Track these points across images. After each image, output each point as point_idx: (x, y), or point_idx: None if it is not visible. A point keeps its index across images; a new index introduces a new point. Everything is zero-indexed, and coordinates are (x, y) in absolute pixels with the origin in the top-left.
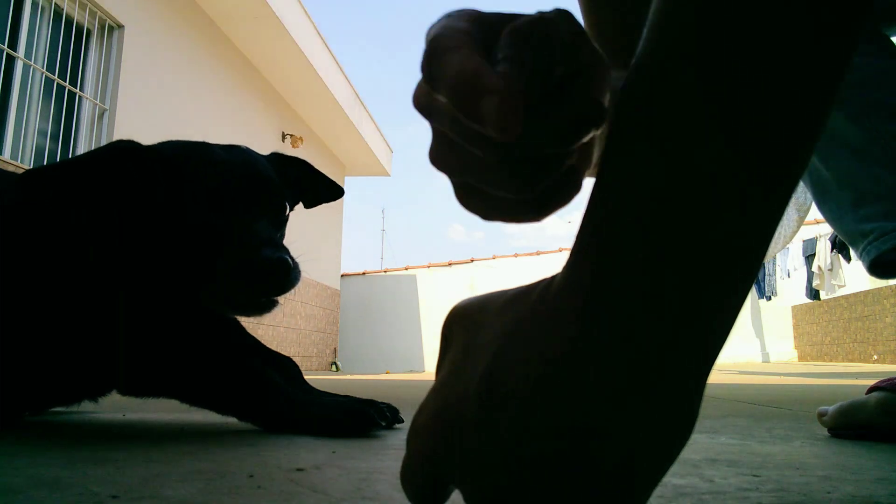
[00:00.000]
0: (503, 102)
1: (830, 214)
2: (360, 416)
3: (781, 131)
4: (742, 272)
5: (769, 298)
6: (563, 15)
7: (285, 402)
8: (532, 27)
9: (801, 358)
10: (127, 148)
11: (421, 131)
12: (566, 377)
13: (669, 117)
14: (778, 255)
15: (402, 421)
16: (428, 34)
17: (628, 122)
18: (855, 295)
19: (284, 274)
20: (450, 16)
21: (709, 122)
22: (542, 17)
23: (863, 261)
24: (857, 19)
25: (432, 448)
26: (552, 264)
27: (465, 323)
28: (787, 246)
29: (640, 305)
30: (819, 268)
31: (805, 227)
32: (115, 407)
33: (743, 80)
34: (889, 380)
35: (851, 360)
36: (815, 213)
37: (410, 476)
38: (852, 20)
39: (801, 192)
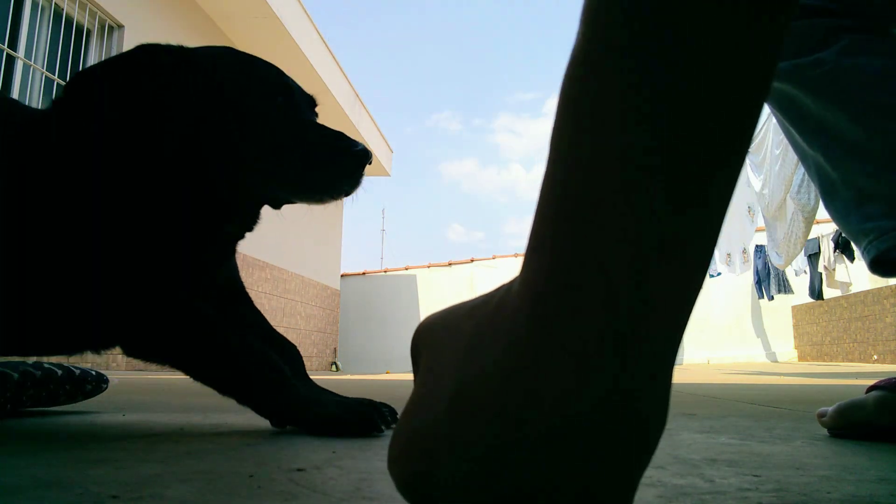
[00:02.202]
0: None
1: (837, 214)
2: (364, 419)
3: (706, 119)
4: (691, 263)
5: (772, 298)
6: None
7: (292, 396)
8: None
9: (801, 358)
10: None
11: (421, 131)
12: (526, 383)
13: (601, 103)
14: (784, 256)
15: None
16: None
17: (566, 114)
18: (855, 295)
19: (369, 160)
20: None
21: (638, 112)
22: None
23: (864, 259)
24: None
25: (412, 474)
26: None
27: (429, 341)
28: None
29: (591, 303)
30: (825, 268)
31: None
32: (115, 407)
33: (672, 71)
34: (888, 379)
35: (851, 360)
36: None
37: (402, 495)
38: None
39: (804, 194)
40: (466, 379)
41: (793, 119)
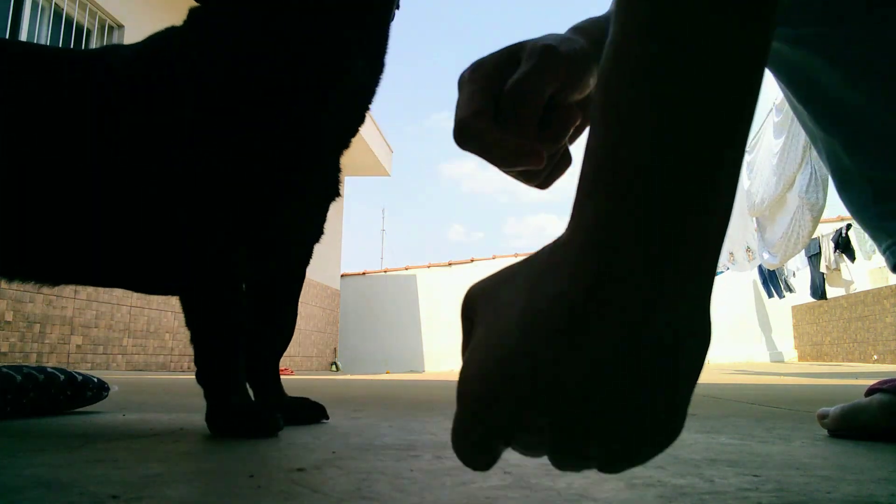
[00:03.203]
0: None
1: (851, 206)
2: (256, 423)
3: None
4: (724, 186)
5: (782, 296)
6: (546, 51)
7: (217, 382)
8: (523, 84)
9: (801, 358)
10: None
11: (421, 131)
12: (582, 308)
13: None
14: (780, 255)
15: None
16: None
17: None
18: (855, 295)
19: None
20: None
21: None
22: (528, 74)
23: (886, 261)
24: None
25: (483, 403)
26: None
27: (486, 296)
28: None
29: (633, 235)
30: (827, 267)
31: None
32: (115, 407)
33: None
34: (890, 381)
35: (851, 360)
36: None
37: (464, 436)
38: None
39: (813, 192)
40: (532, 308)
41: (805, 95)
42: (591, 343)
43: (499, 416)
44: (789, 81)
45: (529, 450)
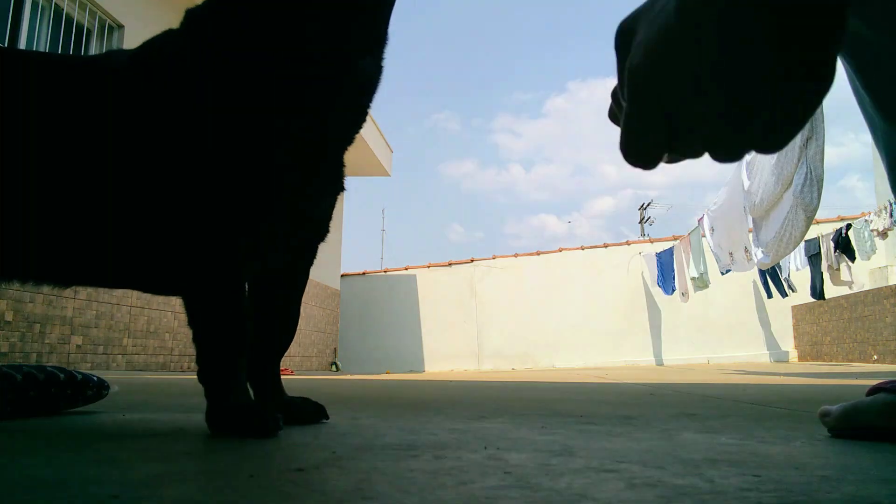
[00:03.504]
0: None
1: None
2: (254, 422)
3: None
4: None
5: (785, 295)
6: None
7: (216, 382)
8: None
9: (801, 358)
10: None
11: (421, 131)
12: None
13: None
14: (771, 255)
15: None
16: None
17: None
18: (855, 295)
19: None
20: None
21: None
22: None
23: None
24: None
25: (655, 82)
26: (552, 264)
27: (640, 16)
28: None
29: None
30: (829, 267)
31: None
32: (115, 407)
33: None
34: (892, 381)
35: (851, 360)
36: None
37: (636, 129)
38: None
39: (808, 192)
40: (682, 7)
41: (870, 77)
42: (739, 17)
43: (669, 90)
44: (856, 62)
45: (691, 135)
